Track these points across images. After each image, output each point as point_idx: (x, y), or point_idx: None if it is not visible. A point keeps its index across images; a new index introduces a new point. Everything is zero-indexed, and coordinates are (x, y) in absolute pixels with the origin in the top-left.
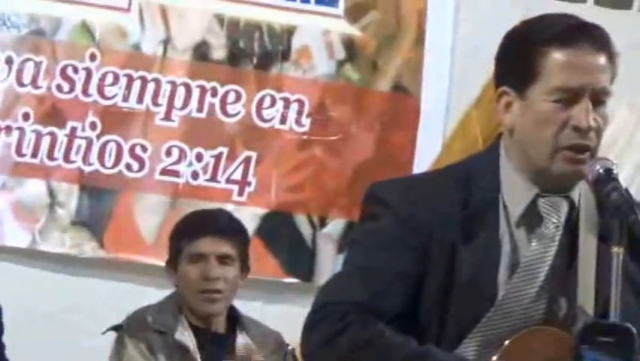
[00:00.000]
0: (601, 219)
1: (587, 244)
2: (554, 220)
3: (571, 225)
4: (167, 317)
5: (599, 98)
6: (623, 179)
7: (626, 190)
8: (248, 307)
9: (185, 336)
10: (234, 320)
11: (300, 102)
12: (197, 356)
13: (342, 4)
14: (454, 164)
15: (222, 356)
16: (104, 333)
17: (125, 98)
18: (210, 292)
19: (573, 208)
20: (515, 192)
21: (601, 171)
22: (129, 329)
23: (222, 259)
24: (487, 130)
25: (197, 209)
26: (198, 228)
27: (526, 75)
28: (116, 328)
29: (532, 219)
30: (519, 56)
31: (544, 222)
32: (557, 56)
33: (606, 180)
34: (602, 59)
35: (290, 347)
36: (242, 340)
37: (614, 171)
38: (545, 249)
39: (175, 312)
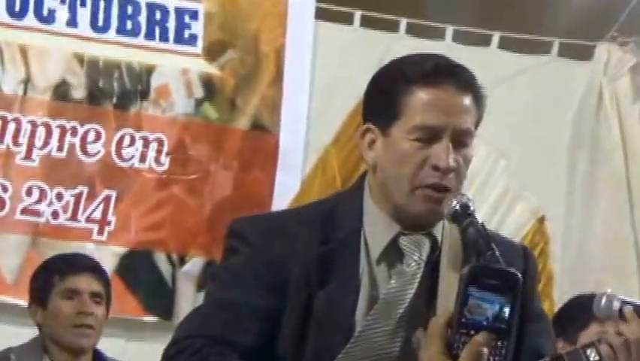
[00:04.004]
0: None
1: (449, 282)
2: (415, 258)
3: (433, 262)
4: (32, 356)
5: (461, 139)
6: (480, 219)
7: (482, 225)
8: (109, 345)
9: None
10: None
11: (159, 141)
12: None
13: (200, 42)
14: (320, 201)
15: None
16: None
17: None
18: (84, 327)
19: (436, 245)
20: (377, 229)
21: (457, 207)
22: None
23: (94, 297)
24: (345, 168)
25: (57, 248)
26: (72, 265)
27: (389, 113)
28: None
29: (393, 256)
30: (384, 93)
31: (405, 260)
32: (421, 94)
33: (462, 216)
34: (466, 100)
35: None
36: None
37: (471, 207)
38: (404, 286)
39: (40, 353)
